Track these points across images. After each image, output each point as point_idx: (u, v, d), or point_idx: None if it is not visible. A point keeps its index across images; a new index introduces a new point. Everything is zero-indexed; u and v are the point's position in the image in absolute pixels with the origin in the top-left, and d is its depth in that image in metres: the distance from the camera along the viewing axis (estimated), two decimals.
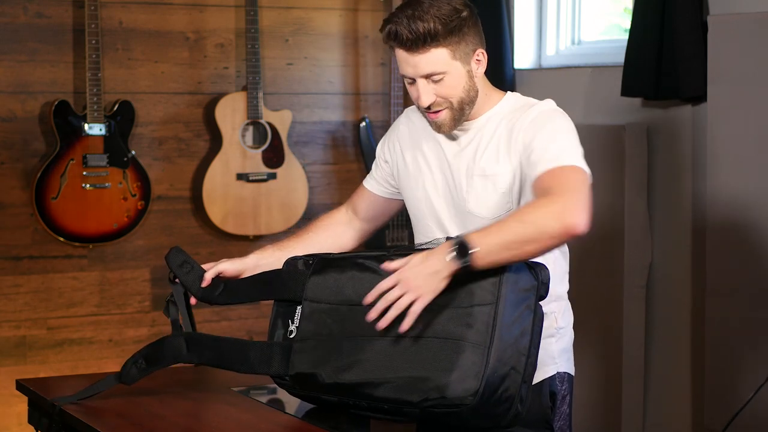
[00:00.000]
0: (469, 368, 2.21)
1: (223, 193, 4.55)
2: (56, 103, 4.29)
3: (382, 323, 2.25)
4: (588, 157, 4.17)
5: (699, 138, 3.89)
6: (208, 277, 2.61)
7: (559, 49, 4.73)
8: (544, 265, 2.34)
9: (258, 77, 4.54)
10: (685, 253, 3.97)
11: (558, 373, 2.58)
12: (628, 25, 4.05)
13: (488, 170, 2.51)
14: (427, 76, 2.47)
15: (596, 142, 4.18)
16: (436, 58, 2.45)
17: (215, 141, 4.58)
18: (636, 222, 4.07)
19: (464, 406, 2.20)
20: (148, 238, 4.55)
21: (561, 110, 2.53)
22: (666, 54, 3.86)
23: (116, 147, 4.38)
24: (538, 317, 2.31)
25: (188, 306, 2.62)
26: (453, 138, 2.58)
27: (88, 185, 4.35)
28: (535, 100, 2.56)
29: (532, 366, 2.28)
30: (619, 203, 4.08)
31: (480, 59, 2.51)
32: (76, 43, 4.38)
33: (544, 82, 4.64)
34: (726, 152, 3.66)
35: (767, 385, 3.43)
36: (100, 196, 4.37)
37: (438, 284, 2.23)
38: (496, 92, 2.59)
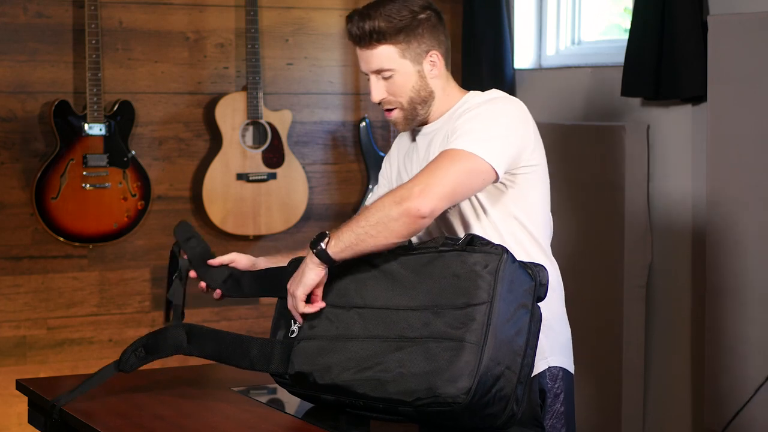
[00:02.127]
0: (462, 367, 2.22)
1: (223, 193, 4.55)
2: (56, 103, 4.29)
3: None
4: (588, 157, 4.19)
5: (699, 138, 3.89)
6: (219, 260, 2.64)
7: (559, 49, 4.73)
8: (543, 266, 2.35)
9: (258, 77, 4.54)
10: (685, 253, 3.97)
11: (549, 368, 2.56)
12: (628, 25, 4.05)
13: None
14: (377, 72, 2.56)
15: (596, 142, 4.18)
16: (383, 54, 2.54)
17: (215, 141, 4.58)
18: (636, 222, 4.07)
19: (457, 404, 2.21)
20: (148, 238, 4.55)
21: (508, 98, 2.56)
22: (666, 54, 3.87)
23: (116, 147, 4.38)
24: (536, 318, 2.31)
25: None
26: (423, 141, 2.63)
27: (88, 185, 4.35)
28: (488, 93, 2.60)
29: (528, 366, 2.28)
30: (619, 203, 4.08)
31: (434, 61, 2.57)
32: (76, 43, 4.38)
33: (544, 82, 4.64)
34: (726, 152, 3.66)
35: (767, 385, 3.43)
36: (100, 196, 4.37)
37: (306, 278, 2.38)
38: (458, 92, 2.64)
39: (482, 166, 2.40)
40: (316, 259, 2.37)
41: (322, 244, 2.35)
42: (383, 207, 2.33)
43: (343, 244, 2.35)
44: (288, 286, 2.44)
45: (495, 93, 2.58)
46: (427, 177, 2.36)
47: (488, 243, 2.32)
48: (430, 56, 2.56)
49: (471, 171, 2.39)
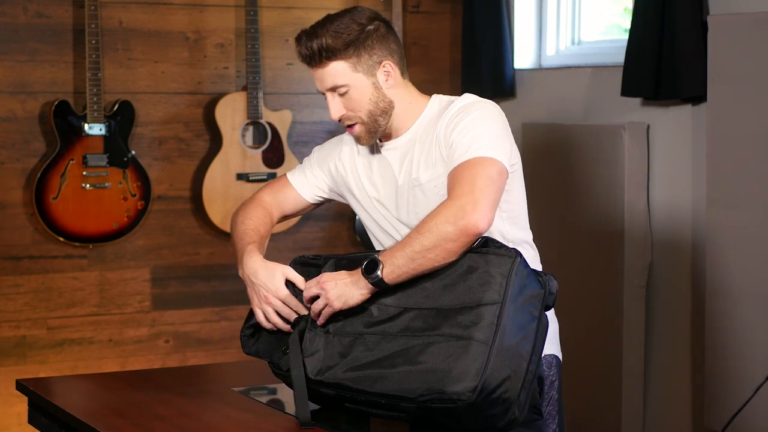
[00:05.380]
0: (469, 365, 2.23)
1: (223, 193, 4.55)
2: (56, 103, 4.29)
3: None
4: (588, 157, 4.19)
5: (699, 138, 3.89)
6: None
7: (559, 49, 4.73)
8: (552, 275, 2.36)
9: (258, 77, 4.54)
10: (685, 253, 3.97)
11: (544, 356, 2.58)
12: (628, 25, 4.05)
13: (422, 179, 2.56)
14: (332, 90, 2.56)
15: (596, 142, 4.18)
16: (336, 71, 2.54)
17: (215, 141, 4.58)
18: (636, 222, 4.07)
19: (461, 402, 2.22)
20: (148, 238, 4.55)
21: (483, 101, 2.56)
22: (666, 54, 3.87)
23: (116, 147, 4.38)
24: (542, 325, 2.33)
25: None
26: (394, 156, 2.62)
27: (88, 185, 4.35)
28: (456, 97, 2.59)
29: (532, 373, 2.29)
30: (619, 203, 4.08)
31: (388, 71, 2.57)
32: (76, 43, 4.38)
33: (544, 82, 4.64)
34: (726, 152, 3.66)
35: (767, 385, 3.43)
36: (100, 196, 4.37)
37: (350, 298, 2.38)
38: (421, 99, 2.64)
39: (502, 166, 2.43)
40: (369, 286, 2.37)
41: (379, 273, 2.34)
42: (436, 229, 2.31)
43: (399, 270, 2.34)
44: (326, 287, 2.40)
45: (471, 97, 2.57)
46: (471, 191, 2.35)
47: (502, 246, 2.34)
48: (383, 67, 2.56)
49: (500, 174, 2.42)
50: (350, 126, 2.59)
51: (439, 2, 4.98)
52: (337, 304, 2.39)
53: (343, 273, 2.42)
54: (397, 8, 4.71)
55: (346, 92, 2.55)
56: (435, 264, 2.33)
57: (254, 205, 2.76)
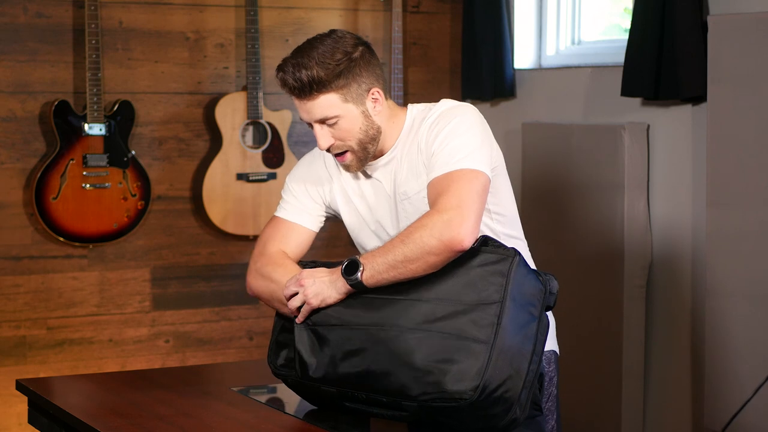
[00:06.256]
0: (470, 364, 2.23)
1: (223, 193, 4.55)
2: (56, 103, 4.29)
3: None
4: (588, 157, 4.19)
5: (699, 138, 3.89)
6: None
7: (559, 49, 4.73)
8: (553, 275, 2.36)
9: (258, 77, 4.54)
10: (685, 253, 3.97)
11: (544, 353, 2.57)
12: (628, 25, 4.06)
13: (410, 191, 2.54)
14: (321, 121, 2.50)
15: (596, 142, 4.18)
16: (326, 103, 2.48)
17: (215, 141, 4.58)
18: (636, 222, 4.07)
19: (463, 401, 2.22)
20: (148, 238, 4.55)
21: (461, 106, 2.53)
22: (666, 54, 3.87)
23: (116, 147, 4.38)
24: (543, 325, 2.33)
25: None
26: (382, 174, 2.60)
27: (88, 185, 4.35)
28: (433, 104, 2.57)
29: (533, 372, 2.29)
30: (619, 203, 4.08)
31: (377, 98, 2.52)
32: (76, 43, 4.38)
33: (544, 82, 4.64)
34: (726, 152, 3.66)
35: (767, 385, 3.43)
36: (100, 196, 4.37)
37: (327, 297, 2.38)
38: (400, 113, 2.60)
39: (486, 178, 2.42)
40: (347, 287, 2.37)
41: (359, 275, 2.34)
42: (421, 241, 2.30)
43: (379, 276, 2.34)
44: (304, 283, 2.40)
45: (449, 102, 2.55)
46: (458, 205, 2.33)
47: (501, 245, 2.34)
48: (372, 94, 2.51)
49: (484, 186, 2.41)
50: (340, 155, 2.54)
51: (439, 2, 4.98)
52: (315, 302, 2.39)
53: (322, 270, 2.42)
54: (397, 8, 4.71)
55: (335, 123, 2.50)
56: (415, 274, 2.33)
57: (282, 260, 2.59)
